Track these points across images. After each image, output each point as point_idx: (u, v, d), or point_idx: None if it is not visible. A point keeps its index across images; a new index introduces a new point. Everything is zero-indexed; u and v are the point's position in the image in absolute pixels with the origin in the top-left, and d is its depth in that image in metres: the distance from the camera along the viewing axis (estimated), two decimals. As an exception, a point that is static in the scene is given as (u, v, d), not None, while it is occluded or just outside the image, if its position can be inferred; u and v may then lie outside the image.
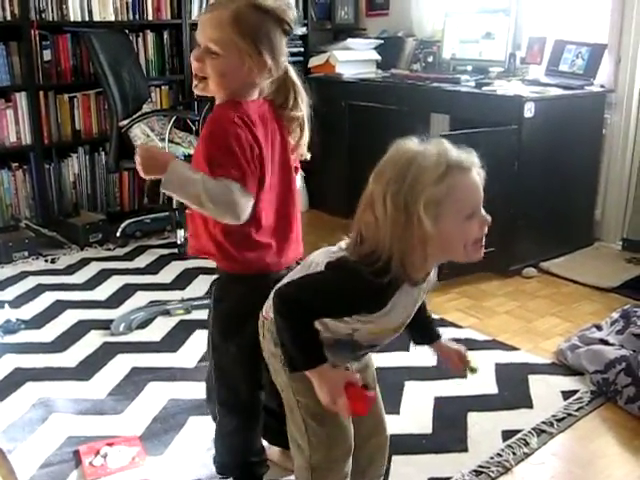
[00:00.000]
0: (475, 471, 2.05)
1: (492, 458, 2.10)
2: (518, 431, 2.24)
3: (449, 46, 4.36)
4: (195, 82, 1.64)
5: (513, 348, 2.81)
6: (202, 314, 3.03)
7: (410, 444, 2.12)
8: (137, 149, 1.62)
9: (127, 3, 4.29)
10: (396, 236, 1.34)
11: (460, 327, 2.98)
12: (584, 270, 3.59)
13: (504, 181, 3.36)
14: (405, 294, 1.43)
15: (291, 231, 1.75)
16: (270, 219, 1.69)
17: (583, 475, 2.06)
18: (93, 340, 2.88)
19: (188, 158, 3.83)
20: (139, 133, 3.89)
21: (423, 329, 1.71)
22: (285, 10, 1.60)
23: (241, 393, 1.80)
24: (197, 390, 2.33)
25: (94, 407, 2.39)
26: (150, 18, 4.41)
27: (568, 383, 2.54)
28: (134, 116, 3.87)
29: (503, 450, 2.14)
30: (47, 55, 4.08)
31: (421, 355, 2.71)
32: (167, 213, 4.17)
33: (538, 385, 2.52)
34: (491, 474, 2.04)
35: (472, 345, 2.81)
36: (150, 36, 4.49)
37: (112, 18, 4.24)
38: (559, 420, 2.30)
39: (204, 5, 4.56)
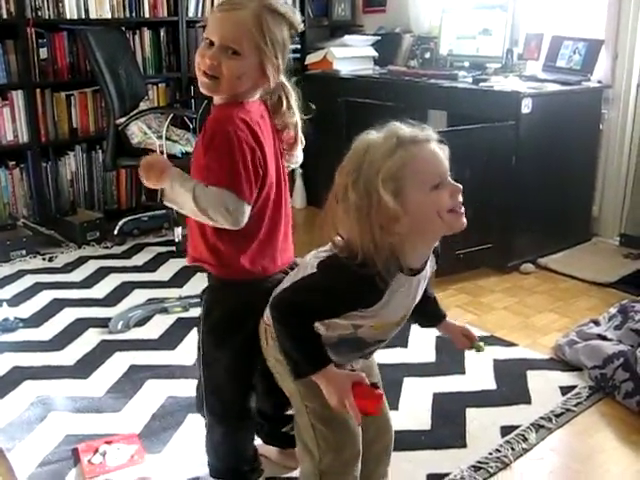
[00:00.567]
0: (474, 467, 2.05)
1: (491, 454, 2.10)
2: (517, 427, 2.24)
3: (446, 42, 4.36)
4: (206, 80, 1.58)
5: (511, 344, 2.81)
6: (200, 312, 3.05)
7: (409, 440, 2.12)
8: (143, 157, 1.61)
9: (123, 0, 4.28)
10: (363, 226, 1.34)
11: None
12: (582, 266, 3.59)
13: (502, 177, 3.36)
14: (403, 284, 1.42)
15: (285, 235, 1.74)
16: (267, 223, 1.67)
17: (582, 470, 2.07)
18: (91, 338, 2.87)
19: (186, 156, 3.84)
20: (136, 131, 3.88)
21: (428, 311, 1.70)
22: (294, 14, 1.60)
23: (231, 402, 1.78)
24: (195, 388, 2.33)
25: (92, 405, 2.39)
26: (147, 15, 4.40)
27: (566, 378, 2.54)
28: (131, 114, 3.87)
29: (502, 446, 2.14)
30: (43, 53, 4.07)
31: (419, 351, 2.72)
32: (164, 211, 4.16)
33: (536, 381, 2.53)
34: (490, 470, 2.04)
35: (470, 341, 2.82)
36: (147, 34, 4.48)
37: (108, 15, 4.22)
38: (557, 415, 2.31)
39: (201, 3, 4.56)
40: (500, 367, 2.62)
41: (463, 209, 1.39)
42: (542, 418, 2.29)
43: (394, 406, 2.34)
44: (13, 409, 2.35)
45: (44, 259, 3.80)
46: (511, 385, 2.50)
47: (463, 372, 2.59)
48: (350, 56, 4.59)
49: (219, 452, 1.87)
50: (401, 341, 2.76)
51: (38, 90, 4.09)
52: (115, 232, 4.05)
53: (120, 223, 4.09)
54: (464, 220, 1.39)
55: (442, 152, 1.39)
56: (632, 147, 3.80)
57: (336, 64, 4.54)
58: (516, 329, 2.95)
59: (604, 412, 2.35)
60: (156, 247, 4.00)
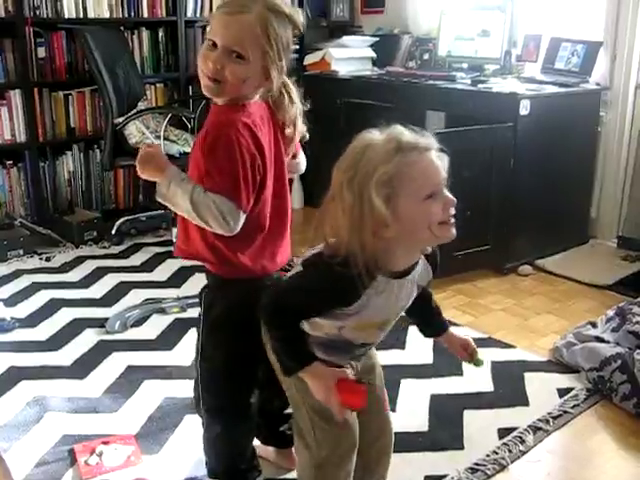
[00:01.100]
0: (471, 469, 2.05)
1: (488, 456, 2.10)
2: (514, 429, 2.24)
3: (445, 43, 4.36)
4: (209, 84, 1.56)
5: (509, 346, 2.81)
6: (197, 312, 3.04)
7: (406, 442, 2.12)
8: (142, 147, 1.61)
9: (122, 0, 4.27)
10: (354, 226, 1.34)
11: (456, 325, 2.96)
12: (579, 268, 3.59)
13: (500, 178, 3.36)
14: (383, 287, 1.42)
15: (284, 233, 1.74)
16: (267, 222, 1.66)
17: (579, 472, 2.07)
18: (88, 338, 2.87)
19: (184, 156, 3.83)
20: (134, 131, 3.88)
21: (430, 321, 1.72)
22: (298, 15, 1.58)
23: (229, 399, 1.77)
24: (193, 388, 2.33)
25: (89, 405, 2.38)
26: (145, 15, 4.39)
27: (564, 381, 2.54)
28: (129, 114, 3.86)
29: (499, 448, 2.14)
30: (42, 52, 4.06)
31: (417, 353, 2.71)
32: (162, 211, 4.15)
33: (534, 383, 2.53)
34: (487, 472, 2.04)
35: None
36: (145, 33, 4.47)
37: (107, 15, 4.22)
38: (555, 417, 2.31)
39: (200, 3, 4.56)
40: (498, 369, 2.61)
41: (453, 221, 1.38)
42: (539, 420, 2.29)
43: (391, 407, 2.32)
44: (9, 409, 2.34)
45: (41, 259, 3.79)
46: (509, 387, 2.50)
47: (461, 374, 2.58)
48: (348, 57, 4.59)
49: (217, 451, 1.86)
50: (399, 343, 2.76)
51: (36, 89, 4.08)
52: (113, 232, 4.04)
53: (118, 223, 4.08)
54: (453, 232, 1.39)
55: (440, 162, 1.37)
56: (630, 149, 3.81)
57: (334, 65, 4.54)
58: (514, 331, 2.95)
59: (601, 414, 2.35)
60: (154, 247, 3.99)
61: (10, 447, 2.14)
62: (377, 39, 4.73)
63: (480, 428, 2.25)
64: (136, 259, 3.82)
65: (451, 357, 2.65)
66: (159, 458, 2.11)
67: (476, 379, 2.54)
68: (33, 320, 3.03)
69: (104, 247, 3.99)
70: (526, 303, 3.24)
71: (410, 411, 2.35)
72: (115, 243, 4.02)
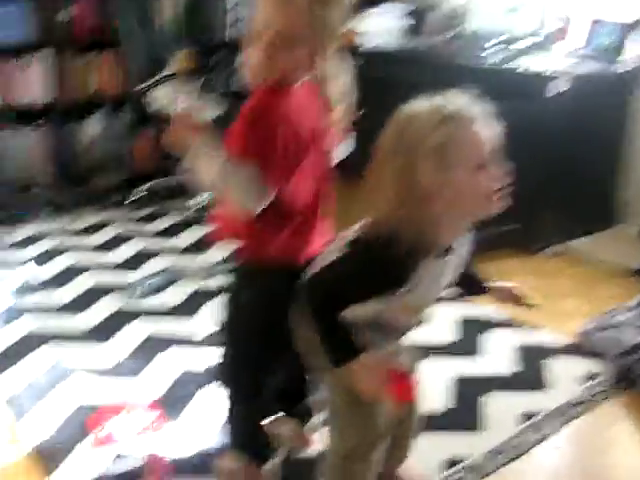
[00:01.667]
0: (490, 452, 2.03)
1: (508, 440, 2.08)
2: (535, 413, 2.21)
3: (476, 19, 4.26)
4: (259, 70, 1.52)
5: (534, 328, 2.77)
6: (220, 280, 3.03)
7: (425, 423, 2.10)
8: (174, 115, 1.57)
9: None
10: (400, 196, 1.30)
11: (480, 305, 2.94)
12: (607, 252, 3.53)
13: (529, 158, 3.29)
14: (430, 268, 1.38)
15: (323, 217, 1.68)
16: (305, 205, 1.61)
17: (599, 461, 2.04)
18: (109, 304, 2.87)
19: (215, 120, 3.79)
20: (162, 95, 3.84)
21: (473, 282, 1.69)
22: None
23: (250, 380, 1.77)
24: (213, 357, 2.32)
25: (110, 372, 2.39)
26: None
27: (588, 366, 2.50)
28: (156, 77, 3.82)
29: (519, 432, 2.12)
30: (68, 13, 4.02)
31: (439, 331, 2.68)
32: (187, 177, 4.13)
33: (557, 367, 2.49)
34: (507, 456, 2.01)
35: (492, 324, 2.79)
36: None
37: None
38: (577, 404, 2.27)
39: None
40: (521, 351, 2.58)
41: (502, 193, 1.34)
42: (561, 406, 2.25)
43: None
44: (29, 372, 2.36)
45: (65, 221, 3.78)
46: (531, 370, 2.47)
47: (483, 355, 2.56)
48: (377, 29, 4.49)
49: (237, 424, 1.87)
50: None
51: (61, 50, 4.04)
52: (137, 196, 4.03)
53: (142, 187, 4.07)
54: (500, 205, 1.35)
55: (491, 131, 1.33)
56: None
57: (362, 38, 4.45)
58: (539, 313, 2.90)
59: (624, 403, 2.31)
60: (178, 213, 3.97)
61: (27, 411, 2.15)
62: (407, 11, 4.63)
63: (501, 411, 2.22)
64: (160, 224, 3.81)
65: (473, 337, 2.65)
66: (179, 425, 2.11)
67: (499, 360, 2.51)
68: (55, 283, 3.04)
69: (128, 211, 3.97)
70: (552, 286, 3.18)
71: (430, 392, 2.32)
72: (139, 207, 4.01)
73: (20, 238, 3.53)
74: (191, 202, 3.90)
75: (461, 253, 1.49)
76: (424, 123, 1.30)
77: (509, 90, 3.41)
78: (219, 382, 1.89)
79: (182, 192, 4.19)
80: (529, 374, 2.45)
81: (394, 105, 1.38)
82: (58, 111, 4.11)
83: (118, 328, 2.67)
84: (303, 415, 2.02)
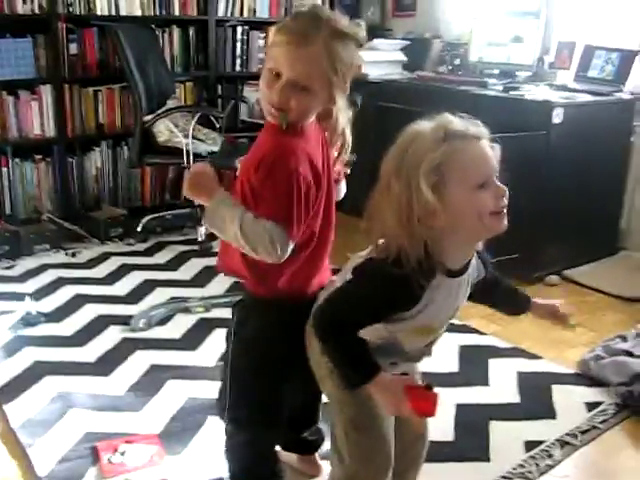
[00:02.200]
0: (497, 482, 2.02)
1: (515, 469, 2.07)
2: (541, 442, 2.20)
3: (476, 49, 4.32)
4: (273, 112, 1.50)
5: (536, 357, 2.77)
6: (222, 312, 3.04)
7: (431, 452, 2.06)
8: (193, 165, 1.58)
9: (154, -2, 4.29)
10: (402, 215, 1.31)
11: (483, 334, 2.94)
12: (609, 279, 3.54)
13: (531, 187, 3.31)
14: (441, 287, 1.38)
15: (325, 256, 1.68)
16: (312, 246, 1.61)
17: (607, 489, 2.03)
18: (112, 335, 2.87)
19: (211, 155, 3.84)
20: (163, 129, 3.88)
21: (512, 300, 1.69)
22: (360, 30, 1.53)
23: (257, 413, 1.73)
24: (216, 389, 2.30)
25: (113, 403, 2.37)
26: (176, 13, 4.42)
27: (592, 394, 2.50)
28: (158, 111, 3.87)
29: (526, 461, 2.11)
30: (73, 49, 4.09)
31: (442, 361, 2.68)
32: (188, 210, 4.16)
33: (561, 395, 2.49)
34: (513, 485, 2.01)
35: (494, 353, 2.79)
36: (176, 32, 4.49)
37: (139, 12, 4.24)
38: (583, 432, 2.26)
39: (231, 3, 4.56)
40: (524, 380, 2.58)
41: (505, 212, 1.35)
42: (567, 434, 2.25)
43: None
44: (33, 404, 2.34)
45: (67, 254, 3.80)
46: (536, 399, 2.47)
47: (487, 384, 2.55)
48: (379, 60, 4.55)
49: (240, 458, 1.83)
50: (424, 350, 2.73)
51: (67, 85, 4.11)
52: (138, 229, 4.05)
53: (144, 220, 4.09)
54: (505, 223, 1.36)
55: (492, 151, 1.35)
56: (663, 160, 3.75)
57: (364, 68, 4.50)
58: (541, 342, 2.91)
59: (630, 430, 2.30)
60: (179, 246, 3.99)
61: (34, 443, 2.14)
62: (408, 43, 4.70)
63: (506, 440, 2.21)
64: (161, 257, 3.82)
65: (477, 366, 2.65)
66: (182, 459, 2.09)
67: (502, 389, 2.51)
68: (58, 315, 3.03)
69: (129, 244, 3.99)
70: (553, 314, 3.19)
71: (435, 420, 2.30)
72: (140, 240, 4.03)
73: (23, 270, 3.53)
74: (199, 232, 3.91)
75: (473, 275, 1.49)
76: (426, 141, 1.31)
77: (513, 119, 3.45)
78: (219, 414, 1.85)
79: (184, 225, 4.23)
80: (534, 402, 2.45)
81: (398, 132, 1.39)
82: (63, 145, 4.15)
83: (121, 359, 2.66)
84: (312, 442, 2.02)
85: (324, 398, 1.74)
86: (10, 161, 4.03)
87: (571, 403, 2.44)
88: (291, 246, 1.49)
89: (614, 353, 2.64)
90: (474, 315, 3.10)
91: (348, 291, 1.43)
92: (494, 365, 2.69)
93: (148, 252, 3.90)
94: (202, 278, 3.50)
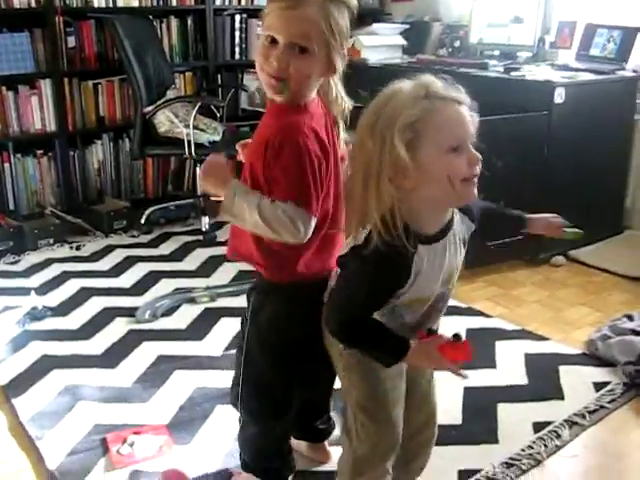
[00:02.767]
0: (506, 463, 2.01)
1: (523, 450, 2.07)
2: (549, 423, 2.20)
3: (476, 30, 4.29)
4: (273, 83, 1.48)
5: (543, 338, 2.76)
6: (227, 302, 3.05)
7: (439, 435, 2.05)
8: (207, 158, 1.57)
9: (151, -12, 4.27)
10: (372, 172, 1.29)
11: (489, 316, 2.93)
12: (614, 259, 3.52)
13: (534, 167, 3.30)
14: (426, 257, 1.36)
15: (340, 234, 1.64)
16: (327, 226, 1.59)
17: (617, 468, 2.02)
18: (118, 328, 2.87)
19: (213, 145, 3.83)
20: (163, 119, 3.87)
21: (506, 223, 1.70)
22: (355, 2, 1.52)
23: (272, 404, 1.74)
24: (223, 378, 2.32)
25: (120, 395, 2.38)
26: (174, 3, 4.40)
27: (600, 374, 2.49)
28: (158, 102, 3.85)
29: (534, 442, 2.11)
30: (71, 42, 4.07)
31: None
32: (191, 200, 4.16)
33: (569, 376, 2.48)
34: (522, 466, 2.00)
35: (501, 335, 2.78)
36: (174, 22, 4.47)
37: (136, 4, 4.22)
38: (591, 412, 2.26)
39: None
40: (532, 362, 2.57)
41: (476, 180, 1.33)
42: (575, 415, 2.24)
43: (424, 400, 2.30)
44: (42, 398, 2.35)
45: (71, 248, 3.80)
46: (543, 380, 2.46)
47: (494, 366, 2.55)
48: (378, 45, 4.53)
49: (253, 448, 1.84)
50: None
51: (66, 79, 4.10)
52: (142, 221, 4.05)
53: (147, 212, 4.08)
54: (475, 192, 1.34)
55: (468, 115, 1.32)
56: (667, 138, 3.72)
57: (364, 53, 4.49)
58: (548, 323, 2.90)
59: (638, 409, 2.30)
60: (183, 236, 3.98)
61: (43, 435, 2.15)
62: (407, 26, 4.67)
63: (515, 422, 2.21)
64: (165, 248, 3.82)
65: (484, 349, 2.64)
66: (191, 448, 2.10)
67: (510, 371, 2.50)
68: (64, 309, 3.04)
69: (133, 236, 3.99)
70: (560, 295, 3.18)
71: (443, 403, 2.30)
72: (144, 232, 4.02)
73: (28, 265, 3.54)
74: (202, 222, 3.91)
75: (463, 232, 1.47)
76: (406, 98, 1.29)
77: (515, 99, 3.44)
78: (233, 403, 1.85)
79: (188, 215, 4.23)
80: (541, 384, 2.44)
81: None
82: (64, 138, 4.15)
83: (128, 351, 2.67)
84: (323, 431, 2.02)
85: (337, 384, 1.73)
86: (12, 156, 4.02)
87: (579, 383, 2.43)
88: (314, 222, 1.48)
89: (621, 332, 2.63)
90: (480, 297, 3.10)
91: (343, 288, 1.43)
92: (501, 347, 2.68)
93: (152, 243, 3.89)
94: (207, 268, 3.50)
